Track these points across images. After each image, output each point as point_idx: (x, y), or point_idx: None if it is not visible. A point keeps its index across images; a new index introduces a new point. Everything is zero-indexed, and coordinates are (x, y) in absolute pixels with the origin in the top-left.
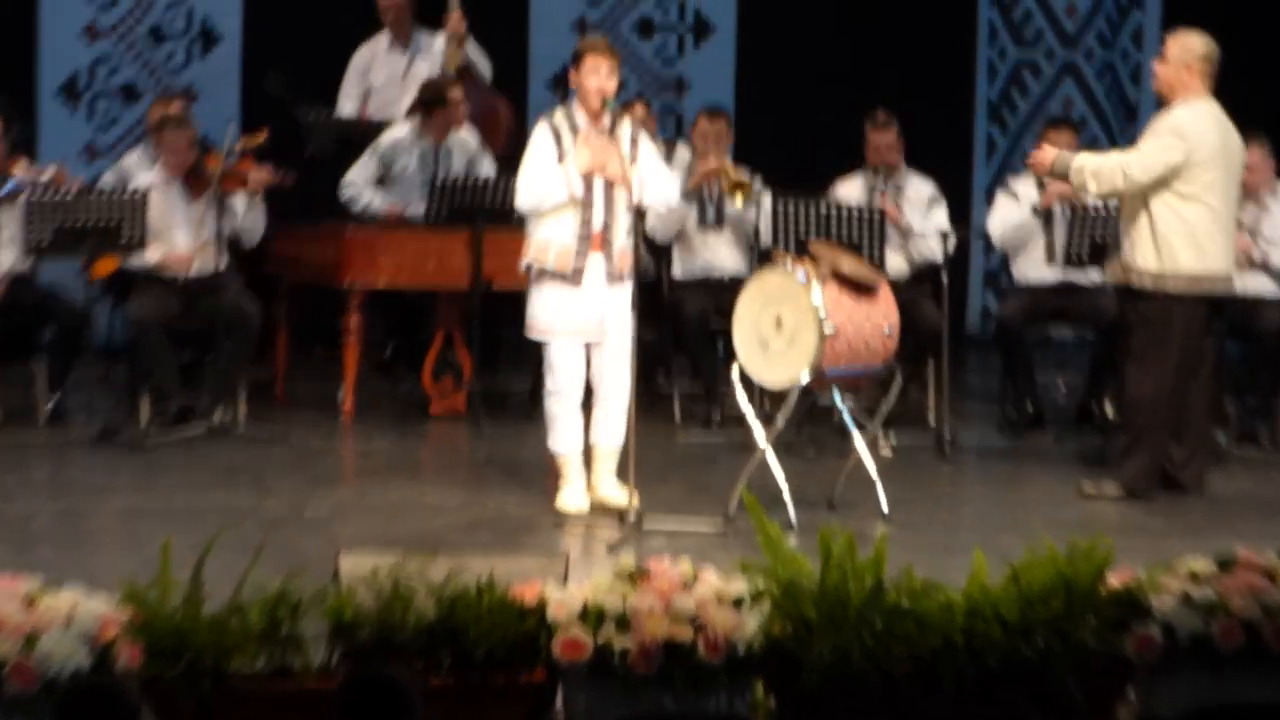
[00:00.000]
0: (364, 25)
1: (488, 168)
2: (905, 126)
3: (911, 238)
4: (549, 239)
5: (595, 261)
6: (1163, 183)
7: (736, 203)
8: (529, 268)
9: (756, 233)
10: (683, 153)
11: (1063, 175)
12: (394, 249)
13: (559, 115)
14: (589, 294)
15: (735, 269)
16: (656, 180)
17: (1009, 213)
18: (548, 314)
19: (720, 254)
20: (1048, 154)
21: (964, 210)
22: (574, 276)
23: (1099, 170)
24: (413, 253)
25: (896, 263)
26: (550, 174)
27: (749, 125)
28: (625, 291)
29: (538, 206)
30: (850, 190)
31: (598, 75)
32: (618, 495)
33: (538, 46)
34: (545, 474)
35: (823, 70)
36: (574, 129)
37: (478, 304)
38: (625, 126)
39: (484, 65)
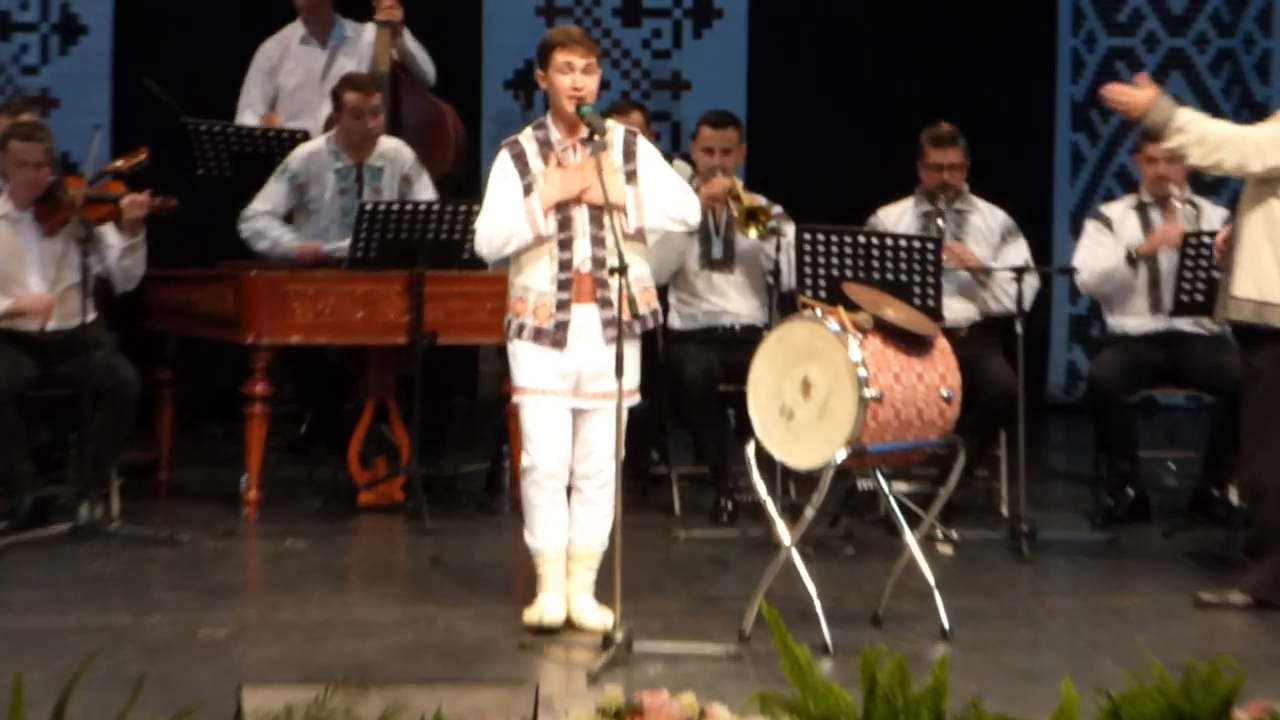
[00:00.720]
0: (271, 14)
1: (428, 191)
2: (967, 136)
3: (987, 282)
4: (527, 286)
5: (585, 316)
6: None
7: (750, 235)
8: (507, 323)
9: (776, 272)
10: (680, 171)
11: (1156, 129)
12: (310, 296)
13: (525, 135)
14: (577, 353)
15: (749, 318)
16: (665, 196)
17: (1101, 251)
18: (522, 371)
19: (730, 299)
20: (1140, 93)
21: (1043, 242)
22: (555, 335)
23: (1207, 135)
24: (334, 300)
25: (959, 308)
26: (512, 208)
27: (765, 136)
28: (632, 350)
29: (499, 251)
30: (899, 220)
31: (571, 73)
32: (594, 617)
33: (493, 39)
34: (507, 580)
35: (860, 66)
36: (546, 146)
37: (418, 364)
38: (617, 134)
39: (425, 63)
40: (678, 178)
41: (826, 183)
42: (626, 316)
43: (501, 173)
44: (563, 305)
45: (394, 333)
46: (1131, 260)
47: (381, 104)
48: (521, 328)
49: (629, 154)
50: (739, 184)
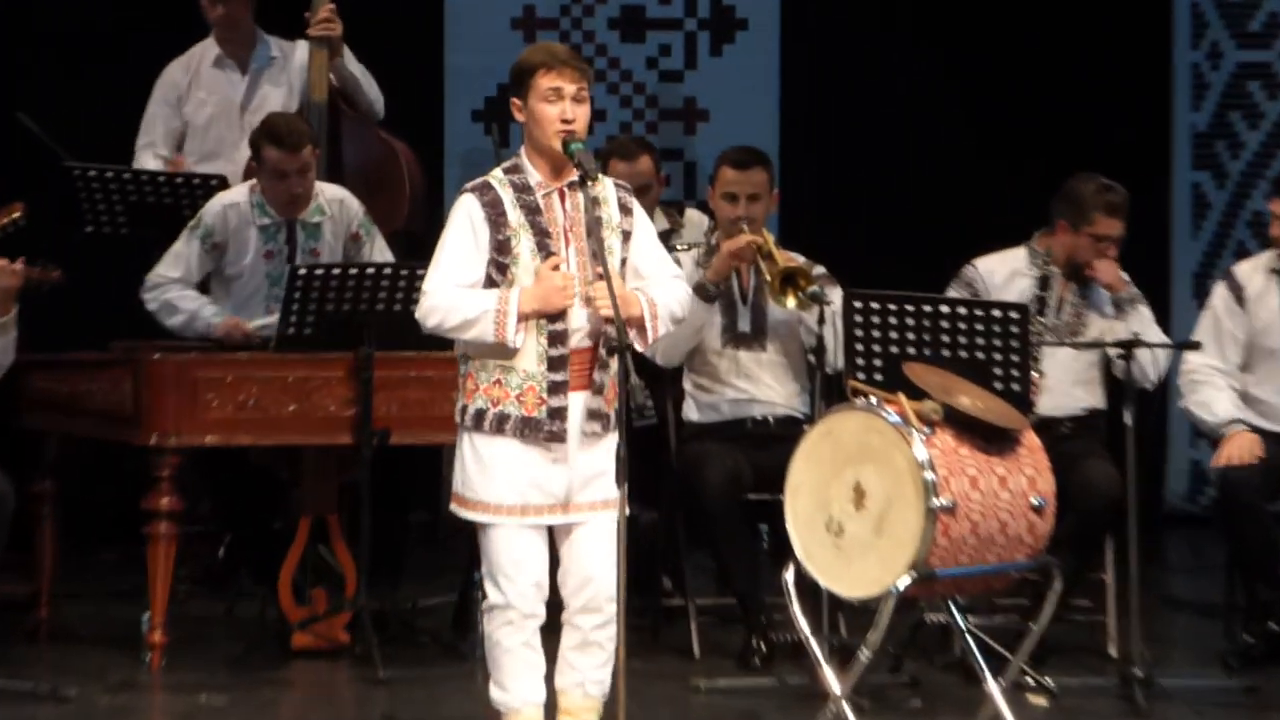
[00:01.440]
0: (176, 31)
1: (384, 254)
2: (1058, 175)
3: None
4: (507, 366)
5: (575, 404)
6: None
7: (786, 303)
8: (465, 410)
9: (819, 350)
10: (695, 222)
11: None
12: (228, 385)
13: (496, 177)
14: (570, 452)
15: (786, 408)
16: (667, 289)
17: (1226, 343)
18: (491, 480)
19: (761, 385)
20: None
21: (1159, 308)
22: (552, 426)
23: None
24: (259, 390)
25: (1075, 395)
26: (476, 297)
27: (803, 177)
28: (609, 444)
29: (445, 334)
30: (1008, 281)
31: (558, 102)
32: None
33: (458, 59)
34: None
35: (924, 88)
36: (524, 192)
37: (367, 471)
38: (607, 189)
39: (372, 90)
40: (668, 262)
41: (882, 237)
42: (609, 404)
43: (468, 224)
44: (556, 389)
45: (335, 431)
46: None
47: (312, 159)
48: (503, 419)
49: (624, 208)
50: (770, 239)
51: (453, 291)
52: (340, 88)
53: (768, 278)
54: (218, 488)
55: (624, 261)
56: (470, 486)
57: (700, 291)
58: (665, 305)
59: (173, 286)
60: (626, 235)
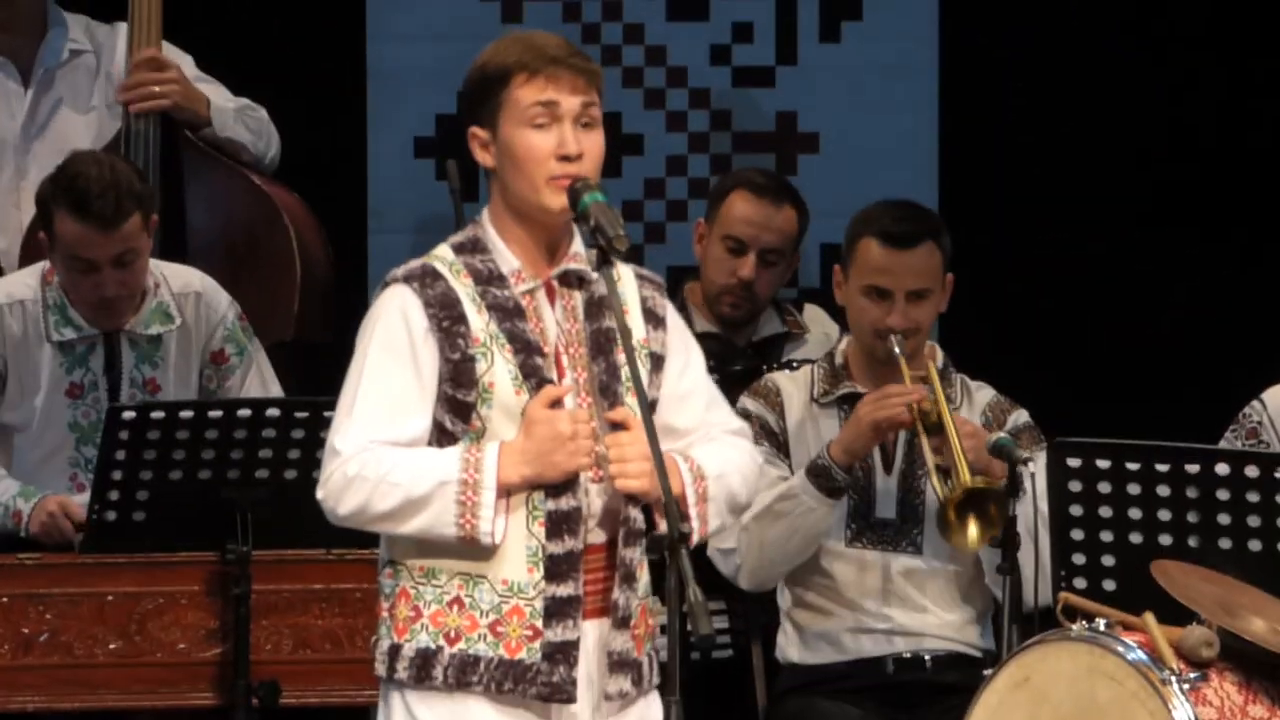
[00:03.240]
0: None
1: (259, 379)
2: None
3: None
4: (479, 577)
5: (595, 638)
6: None
7: (968, 538)
8: (395, 653)
9: (1007, 542)
10: (816, 321)
11: None
12: (3, 611)
13: (441, 258)
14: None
15: (952, 640)
16: (724, 454)
17: None
18: None
19: (911, 604)
20: None
21: None
22: (545, 678)
23: None
24: (59, 620)
25: None
26: (405, 433)
27: (970, 249)
28: (646, 714)
29: (371, 525)
30: None
31: (552, 125)
32: None
33: (387, 55)
34: None
35: (1162, 103)
36: (493, 283)
37: None
38: (626, 284)
39: (260, 143)
40: (724, 403)
41: (1088, 355)
42: (639, 644)
43: (403, 337)
44: (559, 611)
45: (186, 685)
46: None
47: (144, 238)
48: (466, 665)
49: (653, 317)
50: (943, 398)
51: (383, 453)
52: (190, 106)
53: (939, 491)
54: None
55: (652, 405)
56: None
57: (820, 478)
58: (721, 478)
59: None
60: (657, 361)
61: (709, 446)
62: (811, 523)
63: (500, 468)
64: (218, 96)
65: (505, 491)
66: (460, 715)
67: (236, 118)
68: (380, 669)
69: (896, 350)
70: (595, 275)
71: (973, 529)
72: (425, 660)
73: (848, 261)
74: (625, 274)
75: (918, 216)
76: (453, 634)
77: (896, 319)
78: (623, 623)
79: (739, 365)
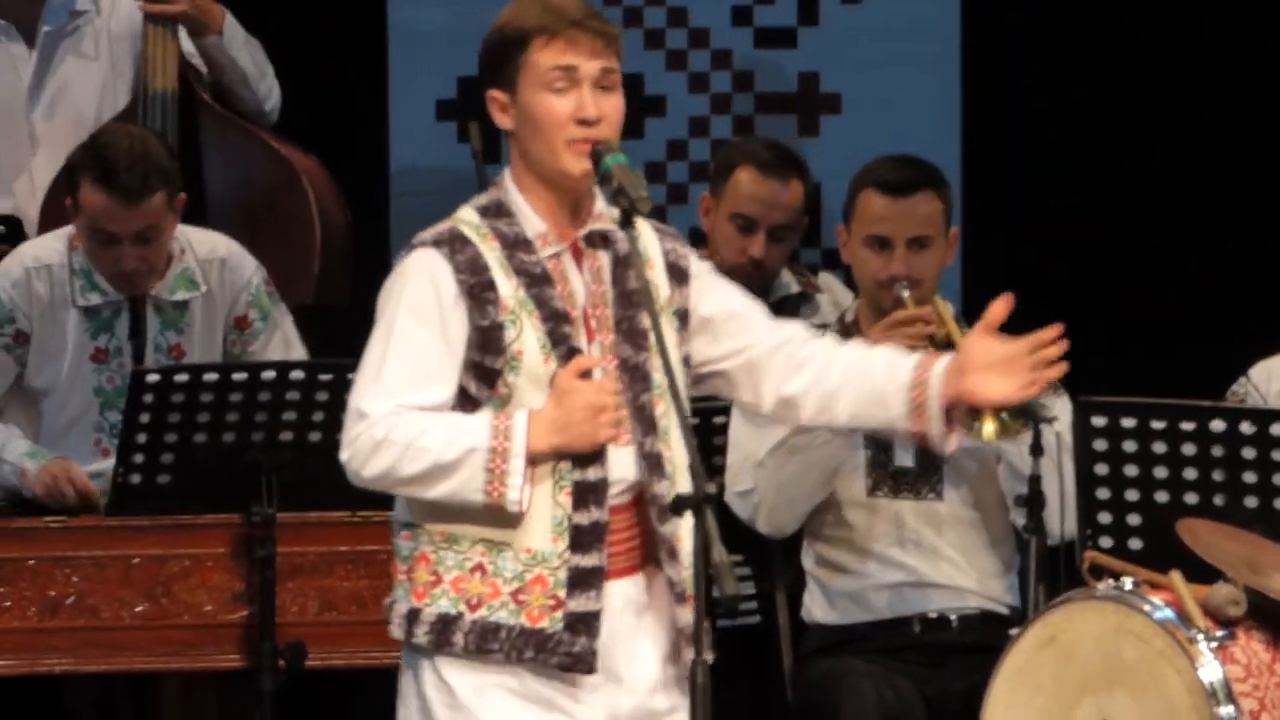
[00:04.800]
0: None
1: (284, 342)
2: None
3: None
4: (503, 544)
5: (621, 601)
6: None
7: (983, 431)
8: (414, 617)
9: (1034, 499)
10: (835, 291)
11: None
12: (29, 574)
13: (466, 220)
14: (608, 687)
15: (979, 597)
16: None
17: None
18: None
19: (937, 558)
20: None
21: None
22: (567, 648)
23: None
24: (85, 583)
25: None
26: (453, 425)
27: (990, 211)
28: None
29: (398, 488)
30: None
31: (571, 89)
32: None
33: (410, 18)
34: None
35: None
36: (518, 247)
37: (268, 712)
38: (648, 240)
39: (263, 82)
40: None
41: (1115, 317)
42: (688, 604)
43: (431, 302)
44: (583, 581)
45: (212, 647)
46: None
47: (168, 216)
48: (487, 633)
49: (676, 272)
50: (949, 314)
51: (412, 418)
52: (211, 75)
53: None
54: None
55: (686, 359)
56: None
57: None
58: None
59: None
60: (683, 317)
61: (854, 354)
62: (827, 455)
63: (530, 436)
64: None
65: (535, 459)
66: (481, 686)
67: (246, 44)
68: (397, 631)
69: (906, 295)
70: (621, 234)
71: (987, 422)
72: (445, 625)
73: (849, 217)
74: (645, 230)
75: (915, 165)
76: (474, 600)
77: (899, 266)
78: (680, 599)
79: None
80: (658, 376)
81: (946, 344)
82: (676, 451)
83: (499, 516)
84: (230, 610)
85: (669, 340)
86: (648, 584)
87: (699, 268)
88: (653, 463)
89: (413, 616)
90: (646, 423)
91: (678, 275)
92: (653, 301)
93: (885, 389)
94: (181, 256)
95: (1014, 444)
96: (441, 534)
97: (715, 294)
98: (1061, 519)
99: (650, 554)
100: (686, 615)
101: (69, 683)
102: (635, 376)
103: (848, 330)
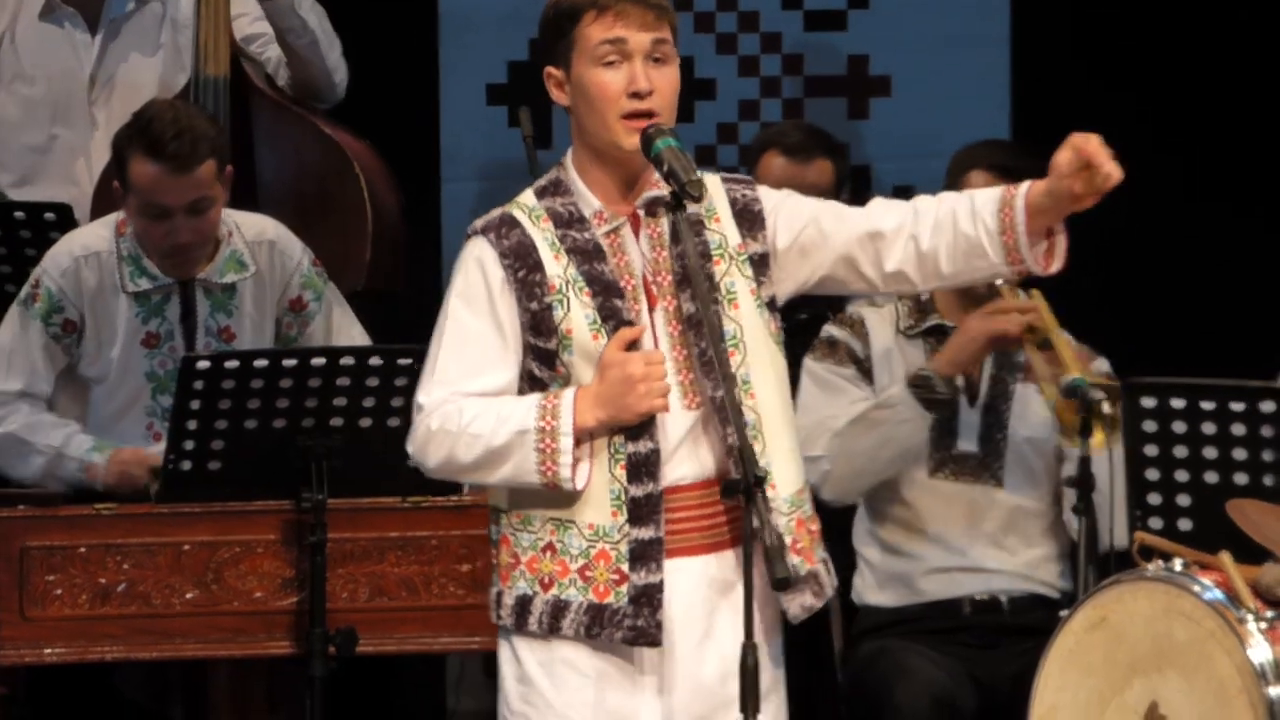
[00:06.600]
0: None
1: (339, 327)
2: None
3: None
4: (556, 518)
5: (687, 579)
6: None
7: (1071, 440)
8: (500, 599)
9: (1085, 483)
10: None
11: None
12: (80, 561)
13: (524, 204)
14: (673, 665)
15: (1031, 581)
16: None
17: None
18: (554, 701)
19: (992, 544)
20: None
21: None
22: (637, 620)
23: None
24: (135, 570)
25: None
26: (504, 409)
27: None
28: (775, 658)
29: (458, 476)
30: None
31: (623, 64)
32: None
33: (457, 3)
34: None
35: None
36: (574, 226)
37: (319, 700)
38: (715, 197)
39: (332, 54)
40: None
41: (1189, 284)
42: (758, 584)
43: (481, 291)
44: (643, 554)
45: (263, 634)
46: None
47: (218, 184)
48: (559, 610)
49: (748, 218)
50: (1047, 311)
51: (465, 405)
52: (283, 44)
53: (1045, 394)
54: None
55: (773, 299)
56: (511, 710)
57: (921, 389)
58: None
59: (12, 407)
60: (761, 261)
61: (938, 210)
62: (905, 434)
63: (576, 412)
64: None
65: (584, 435)
66: (558, 663)
67: (314, 8)
68: (492, 615)
69: (1005, 290)
70: (691, 204)
71: (1098, 434)
72: (523, 606)
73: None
74: (713, 183)
75: (1005, 148)
76: (546, 580)
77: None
78: (721, 551)
79: (803, 314)
80: (732, 327)
81: (1046, 343)
82: (762, 400)
83: (562, 494)
84: (280, 597)
85: (741, 296)
86: (738, 562)
87: (773, 203)
88: (718, 421)
89: (499, 599)
90: (711, 381)
91: (748, 220)
92: (700, 281)
93: (979, 239)
94: (230, 239)
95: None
96: (517, 516)
97: (787, 218)
98: (1111, 511)
99: (743, 531)
100: (781, 567)
101: (120, 670)
102: (701, 333)
103: (923, 308)
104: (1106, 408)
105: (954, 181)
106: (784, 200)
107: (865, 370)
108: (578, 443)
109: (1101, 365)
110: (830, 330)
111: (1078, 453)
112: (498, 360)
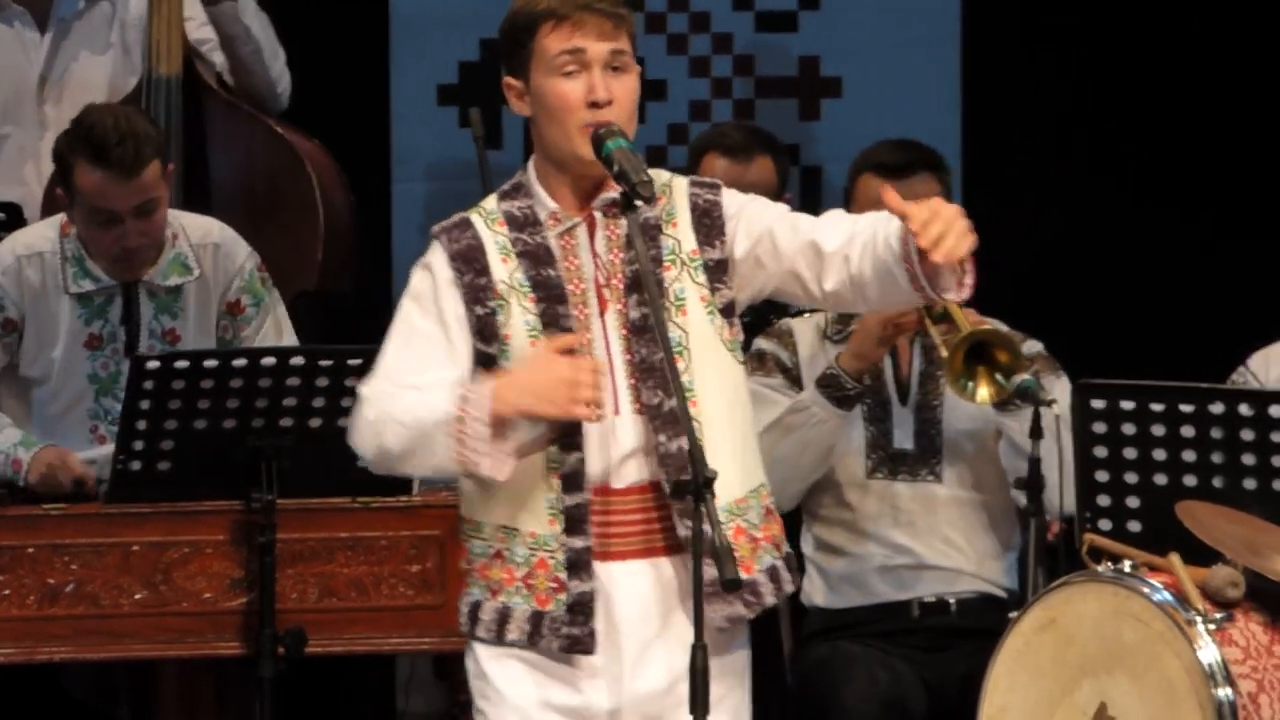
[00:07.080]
0: None
1: (277, 328)
2: None
3: None
4: (500, 525)
5: (631, 585)
6: None
7: (977, 395)
8: (461, 604)
9: (1033, 481)
10: None
11: None
12: (29, 562)
13: (485, 208)
14: (613, 671)
15: (978, 579)
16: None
17: None
18: (509, 703)
19: (935, 540)
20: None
21: None
22: (571, 628)
23: None
24: (83, 570)
25: None
26: (428, 397)
27: (991, 197)
28: (735, 661)
29: (395, 468)
30: None
31: (580, 73)
32: None
33: (408, 4)
34: None
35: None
36: (526, 228)
37: (268, 702)
38: (675, 197)
39: (275, 63)
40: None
41: (1135, 287)
42: (708, 583)
43: (429, 295)
44: (577, 561)
45: (211, 635)
46: None
47: (162, 186)
48: (504, 618)
49: (706, 220)
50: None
51: (396, 394)
52: (227, 51)
53: (943, 351)
54: None
55: (730, 305)
56: (491, 690)
57: (830, 388)
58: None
59: None
60: (718, 268)
61: (866, 232)
62: (822, 435)
63: (495, 399)
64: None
65: (501, 421)
66: (506, 673)
67: (258, 15)
68: (460, 620)
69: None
70: (640, 204)
71: (982, 387)
72: (475, 611)
73: (850, 201)
74: (678, 186)
75: (914, 148)
76: (495, 586)
77: None
78: (672, 552)
79: (747, 316)
80: (678, 333)
81: (943, 316)
82: (705, 408)
83: (509, 502)
84: (230, 597)
85: (689, 302)
86: (677, 570)
87: (734, 208)
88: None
89: (459, 603)
90: (652, 381)
91: (708, 226)
92: (652, 285)
93: (889, 265)
94: (175, 241)
95: (1013, 419)
96: (470, 522)
97: (746, 226)
98: (1061, 493)
99: (677, 540)
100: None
101: (68, 670)
102: (650, 339)
103: (847, 314)
104: (991, 383)
105: (850, 185)
106: (746, 206)
107: (794, 378)
108: (499, 433)
109: (1034, 346)
110: (759, 343)
111: (1028, 450)
112: (443, 358)
